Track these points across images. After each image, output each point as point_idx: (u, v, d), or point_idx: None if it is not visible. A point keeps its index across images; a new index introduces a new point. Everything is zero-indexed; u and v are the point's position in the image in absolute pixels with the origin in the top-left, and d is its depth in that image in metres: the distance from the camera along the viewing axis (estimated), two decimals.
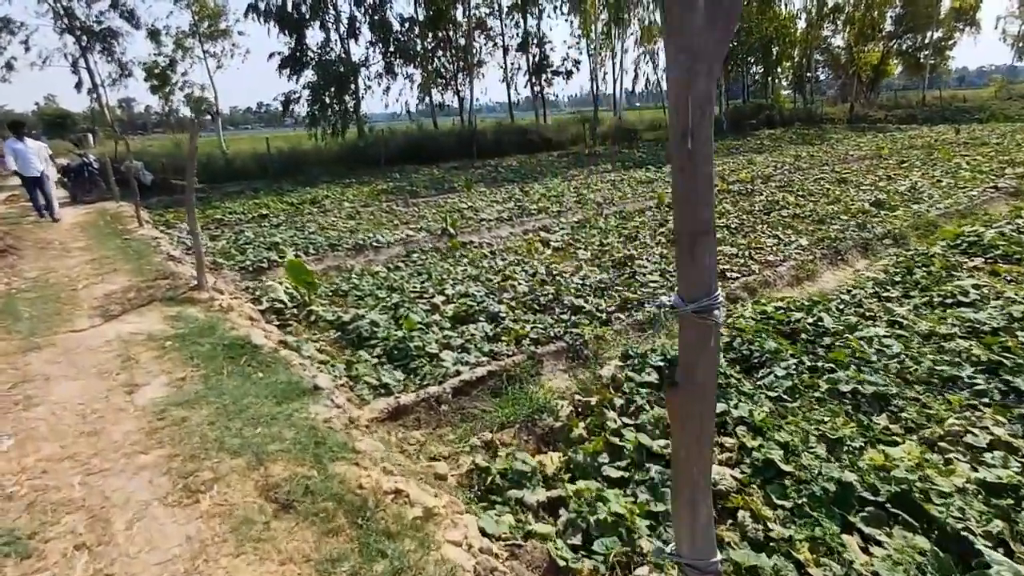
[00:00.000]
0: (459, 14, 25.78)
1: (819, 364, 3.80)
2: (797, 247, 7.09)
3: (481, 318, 5.24)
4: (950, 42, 43.31)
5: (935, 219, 8.23)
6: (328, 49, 20.89)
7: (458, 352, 4.47)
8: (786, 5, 35.99)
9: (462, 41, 26.61)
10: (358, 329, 5.01)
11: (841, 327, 4.33)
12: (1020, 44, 46.91)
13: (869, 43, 40.34)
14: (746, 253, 6.93)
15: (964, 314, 4.44)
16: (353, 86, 21.01)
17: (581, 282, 6.11)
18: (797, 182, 12.30)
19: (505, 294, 5.83)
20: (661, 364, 3.85)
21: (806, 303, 4.91)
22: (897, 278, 5.51)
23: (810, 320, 4.50)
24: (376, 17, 21.32)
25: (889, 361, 3.73)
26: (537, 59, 28.36)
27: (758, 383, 3.63)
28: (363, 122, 22.07)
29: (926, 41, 41.98)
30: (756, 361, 3.93)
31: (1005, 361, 3.58)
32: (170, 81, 24.35)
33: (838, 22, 38.17)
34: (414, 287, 6.31)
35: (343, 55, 21.07)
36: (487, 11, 27.13)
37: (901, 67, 44.51)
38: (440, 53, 25.83)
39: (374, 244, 8.55)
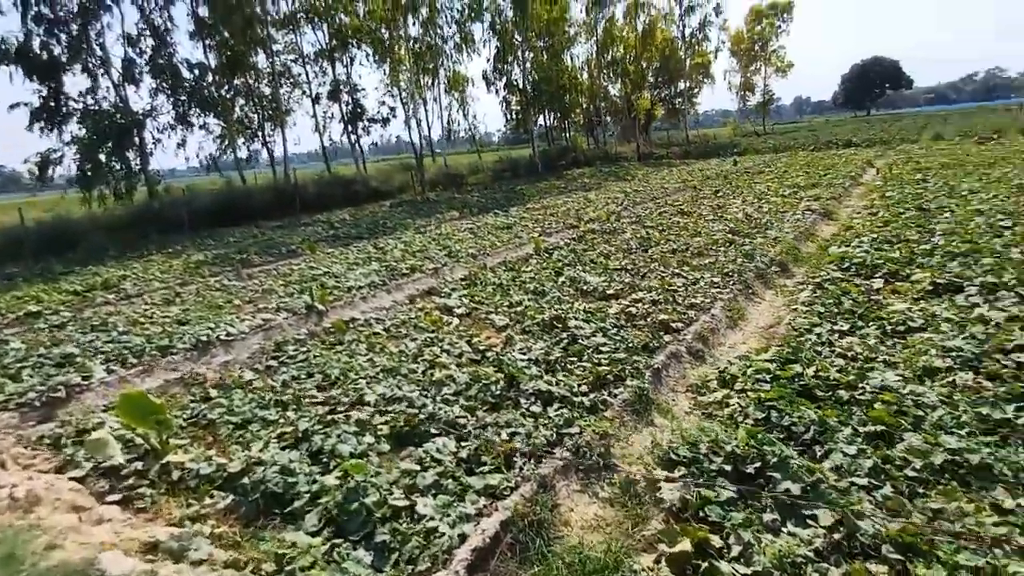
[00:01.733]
0: (261, 60, 23.51)
1: (871, 429, 3.35)
2: (707, 284, 7.00)
3: (434, 430, 3.99)
4: (695, 91, 52.17)
5: (793, 243, 8.93)
6: (97, 97, 17.19)
7: (435, 497, 3.19)
8: (572, 59, 39.97)
9: (266, 89, 24.24)
10: (262, 485, 3.43)
11: (847, 376, 4.02)
12: (741, 92, 58.14)
13: (641, 92, 46.66)
14: (666, 297, 6.62)
15: (933, 341, 4.46)
16: (137, 139, 17.50)
17: (524, 357, 5.16)
18: (645, 217, 12.87)
19: (445, 389, 4.62)
20: (729, 468, 3.06)
21: (786, 351, 4.58)
22: (833, 309, 5.54)
23: (809, 372, 4.13)
24: (160, 61, 18.20)
25: (934, 413, 3.42)
26: (351, 107, 27.03)
27: (827, 468, 3.04)
28: (155, 180, 18.51)
29: (678, 90, 50.02)
30: (806, 437, 3.36)
31: None
32: None
33: (613, 75, 43.30)
34: (313, 396, 4.77)
35: (120, 104, 17.51)
36: (292, 58, 25.20)
37: (663, 111, 52.14)
38: (242, 102, 23.13)
39: (222, 338, 6.61)
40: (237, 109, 22.88)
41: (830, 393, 3.87)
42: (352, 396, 4.57)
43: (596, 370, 4.65)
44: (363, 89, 32.57)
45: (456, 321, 6.64)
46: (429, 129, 29.15)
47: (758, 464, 3.08)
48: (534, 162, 31.85)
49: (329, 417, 4.28)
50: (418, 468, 3.48)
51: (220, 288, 9.57)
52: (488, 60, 36.31)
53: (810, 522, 2.69)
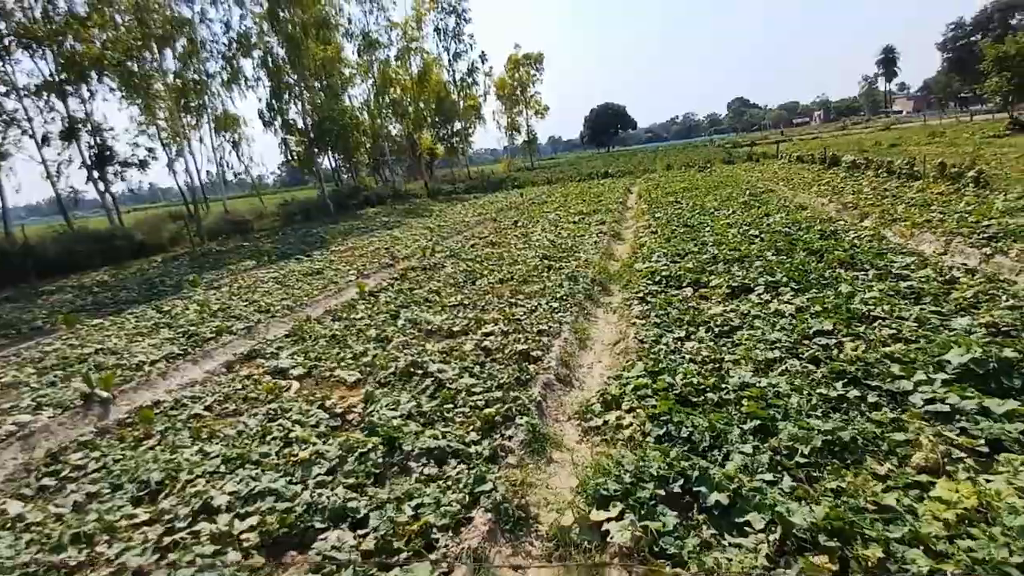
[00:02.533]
0: None
1: (751, 425, 3.70)
2: (547, 310, 7.23)
3: (318, 523, 3.34)
4: (471, 131, 55.52)
5: (602, 263, 9.80)
6: None
7: None
8: (350, 99, 39.44)
9: None
10: None
11: (709, 379, 4.42)
12: (509, 132, 63.65)
13: (421, 131, 48.04)
14: (515, 327, 6.66)
15: (756, 336, 5.17)
16: None
17: (394, 413, 4.67)
18: (459, 250, 13.01)
19: (315, 469, 3.92)
20: (662, 492, 3.07)
21: (648, 364, 4.88)
22: (666, 319, 6.11)
23: (678, 380, 4.45)
24: None
25: (791, 400, 3.92)
26: (96, 149, 22.62)
27: (732, 470, 3.26)
28: None
29: (455, 130, 52.73)
30: (704, 445, 3.57)
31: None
32: None
33: (394, 115, 43.81)
34: (132, 515, 3.65)
35: None
36: (1, 90, 20.19)
37: (443, 150, 54.36)
38: None
39: None
40: None
41: (701, 397, 4.20)
42: (193, 504, 3.61)
43: (481, 414, 4.40)
44: (111, 128, 27.53)
45: (296, 384, 5.79)
46: (198, 173, 25.64)
47: (681, 481, 3.16)
48: (325, 203, 30.33)
49: (167, 540, 3.30)
50: None
51: None
52: (260, 99, 33.75)
53: (747, 529, 2.82)
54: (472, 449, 3.97)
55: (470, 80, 46.67)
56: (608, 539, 2.87)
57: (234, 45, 26.73)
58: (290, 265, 13.96)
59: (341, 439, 4.30)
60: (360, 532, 3.22)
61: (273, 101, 32.68)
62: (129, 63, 22.13)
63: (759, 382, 4.23)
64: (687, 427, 3.71)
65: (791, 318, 5.55)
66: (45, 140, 22.25)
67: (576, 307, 7.23)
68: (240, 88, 29.87)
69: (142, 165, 24.53)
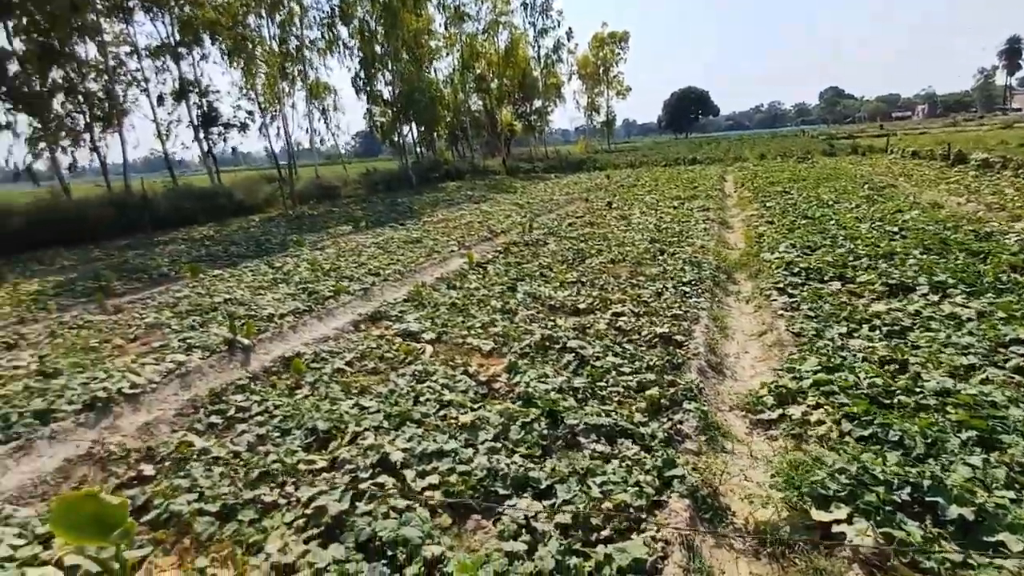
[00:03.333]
0: (85, 52, 19.76)
1: (968, 435, 3.33)
2: (673, 294, 6.93)
3: (500, 490, 3.27)
4: (549, 109, 54.72)
5: (720, 251, 9.35)
6: None
7: None
8: (435, 72, 39.67)
9: (92, 86, 20.41)
10: None
11: (898, 382, 4.04)
12: (588, 112, 62.39)
13: (503, 108, 47.87)
14: (647, 309, 6.42)
15: (938, 339, 4.71)
16: None
17: (546, 386, 4.56)
18: (556, 228, 12.79)
19: (481, 434, 3.87)
20: (895, 499, 2.79)
21: (820, 359, 4.53)
22: (819, 313, 5.70)
23: (862, 380, 4.10)
24: None
25: (1010, 412, 3.51)
26: (203, 110, 23.83)
27: (962, 481, 2.92)
28: None
29: (534, 108, 52.15)
30: (919, 452, 3.24)
31: None
32: None
33: (479, 90, 43.72)
34: (311, 462, 3.71)
35: None
36: (126, 50, 21.53)
37: (520, 127, 53.89)
38: (62, 99, 19.17)
39: (125, 391, 5.08)
40: (57, 107, 18.92)
41: (895, 400, 3.84)
42: (370, 456, 3.63)
43: (645, 395, 4.22)
44: (217, 91, 28.92)
45: (430, 348, 5.80)
46: (289, 138, 26.50)
47: (908, 489, 2.86)
48: (407, 174, 30.78)
49: (355, 489, 3.32)
50: (522, 547, 2.75)
51: (83, 325, 7.56)
52: (349, 69, 34.39)
53: (1002, 550, 2.51)
54: (643, 430, 3.79)
55: (555, 57, 45.73)
56: (838, 542, 2.63)
57: (336, 12, 27.13)
58: (387, 232, 14.18)
59: (499, 407, 4.23)
60: (546, 503, 3.12)
61: (361, 71, 33.26)
62: (239, 28, 22.97)
63: (964, 389, 3.82)
64: (895, 431, 3.38)
65: (974, 322, 5.02)
66: (160, 99, 23.59)
67: (707, 293, 6.89)
68: (336, 55, 30.44)
69: (242, 127, 25.63)
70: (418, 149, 40.13)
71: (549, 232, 12.26)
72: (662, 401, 4.17)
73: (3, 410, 4.75)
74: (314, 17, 27.72)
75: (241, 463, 3.76)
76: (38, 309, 8.60)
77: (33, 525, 3.21)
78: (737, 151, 36.31)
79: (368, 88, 33.79)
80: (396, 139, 36.69)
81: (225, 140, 25.41)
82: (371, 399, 4.60)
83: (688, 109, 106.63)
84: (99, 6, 19.23)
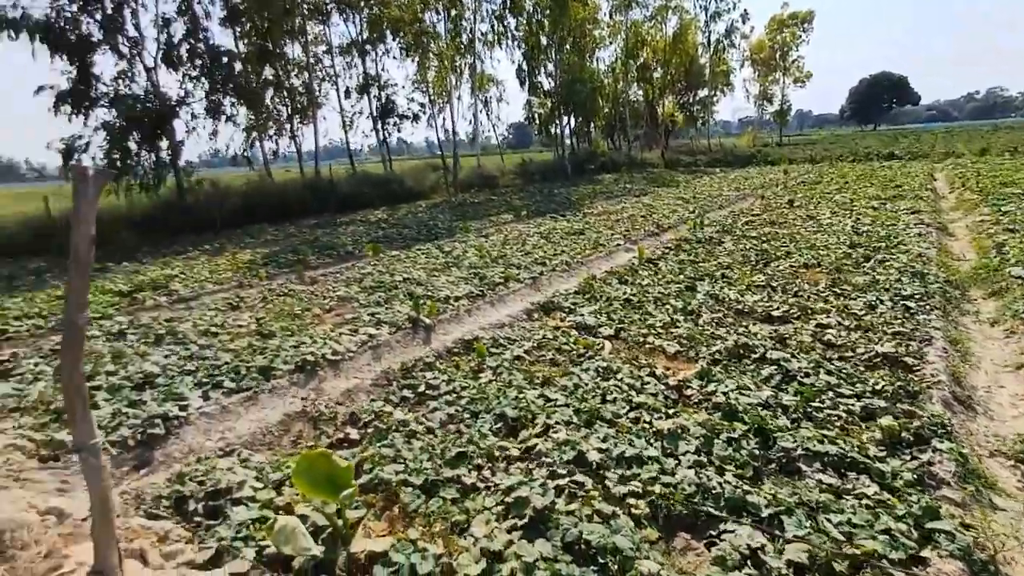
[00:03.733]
0: (292, 51, 22.50)
1: None
2: (891, 308, 5.95)
3: (712, 511, 2.93)
4: (716, 99, 51.37)
5: (942, 260, 7.94)
6: (129, 81, 16.02)
7: None
8: (597, 62, 39.15)
9: (295, 81, 23.14)
10: None
11: None
12: (759, 102, 57.54)
13: (665, 98, 46.03)
14: (857, 323, 5.57)
15: None
16: (166, 128, 16.35)
17: (751, 401, 4.09)
18: (731, 226, 11.84)
19: (682, 444, 3.55)
20: None
21: None
22: None
23: None
24: (196, 44, 17.06)
25: None
26: (382, 102, 25.95)
27: None
28: (188, 172, 17.34)
29: (697, 98, 49.30)
30: None
31: None
32: None
33: (642, 80, 42.36)
34: (503, 448, 3.68)
35: (152, 88, 16.34)
36: (323, 49, 24.12)
37: (682, 118, 51.29)
38: (271, 94, 22.00)
39: (328, 357, 5.53)
40: (267, 100, 21.73)
41: None
42: (566, 452, 3.49)
43: (878, 424, 3.59)
44: (395, 83, 31.34)
45: (608, 345, 5.57)
46: (453, 129, 27.85)
47: None
48: (563, 165, 30.85)
49: (554, 484, 3.20)
50: None
51: (287, 293, 8.49)
52: (513, 61, 35.07)
53: None
54: (880, 467, 3.21)
55: (726, 43, 42.82)
56: None
57: (507, 3, 27.79)
58: (548, 223, 14.20)
59: (697, 416, 3.88)
60: (767, 533, 2.73)
61: (524, 62, 33.82)
62: (418, 23, 24.55)
63: None
64: None
65: None
66: (347, 93, 26.06)
67: (937, 310, 5.83)
68: (504, 46, 31.29)
69: (415, 118, 27.41)
70: (573, 140, 40.03)
71: (723, 230, 11.39)
72: (902, 435, 3.51)
73: (235, 364, 5.42)
74: (486, 10, 28.65)
75: (437, 440, 3.85)
76: (252, 276, 9.84)
77: (267, 472, 3.54)
78: (947, 145, 31.19)
79: (530, 79, 34.35)
80: (553, 130, 37.02)
81: (399, 130, 27.38)
82: (555, 391, 4.49)
83: (880, 97, 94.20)
84: (304, 10, 21.58)
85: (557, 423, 3.90)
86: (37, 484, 3.43)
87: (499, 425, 4.06)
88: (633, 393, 4.38)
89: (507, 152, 56.51)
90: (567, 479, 3.24)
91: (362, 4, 23.79)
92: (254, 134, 22.85)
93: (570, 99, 32.68)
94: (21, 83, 20.38)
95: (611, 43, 39.85)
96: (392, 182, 22.39)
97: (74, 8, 14.73)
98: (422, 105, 27.77)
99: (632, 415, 4.02)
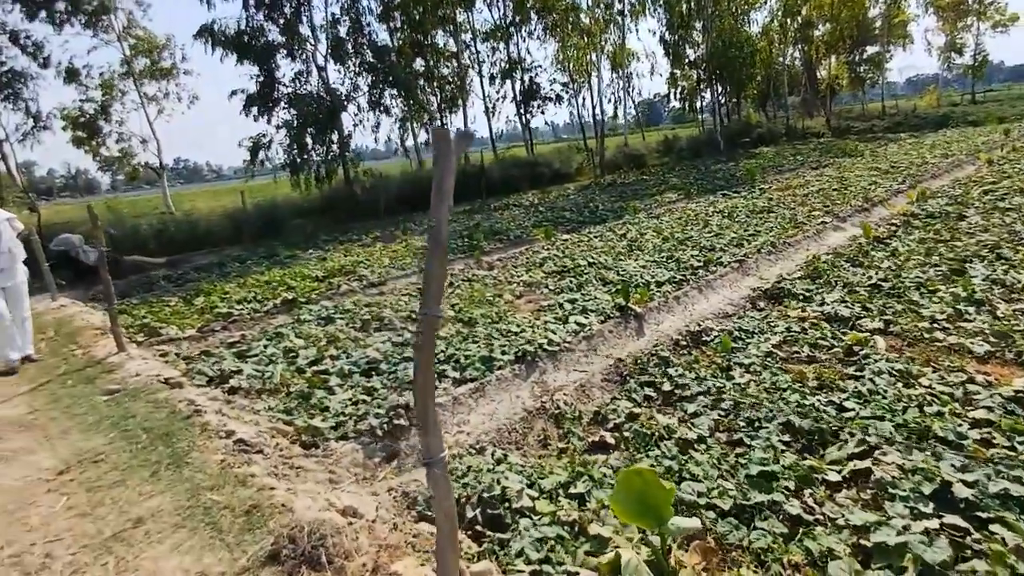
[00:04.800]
0: (444, 42, 23.01)
1: None
2: None
3: None
4: (888, 55, 44.77)
5: None
6: (305, 80, 17.27)
7: None
8: (751, 24, 35.68)
9: (444, 71, 23.64)
10: None
11: None
12: (943, 55, 49.27)
13: (827, 58, 41.09)
14: None
15: None
16: (336, 122, 17.37)
17: None
18: (960, 198, 9.82)
19: None
20: None
21: None
22: None
23: None
24: (361, 40, 17.93)
25: None
26: (526, 86, 25.74)
27: None
28: (356, 163, 18.40)
29: (864, 56, 43.28)
30: None
31: None
32: (101, 132, 19.74)
33: (802, 40, 38.06)
34: (815, 470, 2.99)
35: (323, 86, 17.45)
36: (467, 38, 24.39)
37: (847, 80, 45.44)
38: (422, 84, 22.66)
39: (545, 348, 5.16)
40: (419, 91, 22.40)
41: None
42: (922, 484, 2.71)
43: None
44: (539, 66, 30.99)
45: (881, 341, 4.59)
46: (594, 108, 26.84)
47: None
48: (715, 140, 28.65)
49: (920, 527, 2.45)
50: None
51: (471, 279, 8.37)
52: (654, 33, 32.92)
53: None
54: None
55: None
56: None
57: None
58: (722, 201, 12.94)
59: None
60: None
61: (668, 32, 31.70)
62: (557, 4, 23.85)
63: None
64: None
65: None
66: (492, 79, 26.15)
67: None
68: (650, 13, 29.59)
69: (558, 99, 26.84)
70: (727, 112, 37.08)
71: (957, 202, 9.49)
72: None
73: (450, 352, 5.26)
74: None
75: (720, 452, 3.25)
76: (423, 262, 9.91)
77: (534, 477, 3.18)
78: None
79: (675, 50, 32.20)
80: (699, 103, 34.58)
81: (543, 112, 27.03)
82: (844, 397, 3.68)
83: None
84: None
85: (875, 441, 3.12)
86: (310, 473, 3.37)
87: (787, 437, 3.37)
88: (956, 405, 3.45)
89: (648, 129, 54.05)
90: (936, 521, 2.48)
91: None
92: (407, 125, 23.72)
93: (722, 68, 30.17)
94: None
95: (766, 2, 36.15)
96: (539, 165, 22.13)
97: (260, 16, 16.01)
98: (564, 85, 27.08)
99: (975, 434, 3.11)
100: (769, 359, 4.49)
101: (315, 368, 5.36)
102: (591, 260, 8.46)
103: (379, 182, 17.64)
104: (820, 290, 5.93)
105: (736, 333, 5.10)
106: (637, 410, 3.94)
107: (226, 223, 15.27)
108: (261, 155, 17.35)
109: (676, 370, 4.43)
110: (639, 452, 3.40)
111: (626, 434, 3.67)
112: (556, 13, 23.63)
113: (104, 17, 18.58)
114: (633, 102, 36.89)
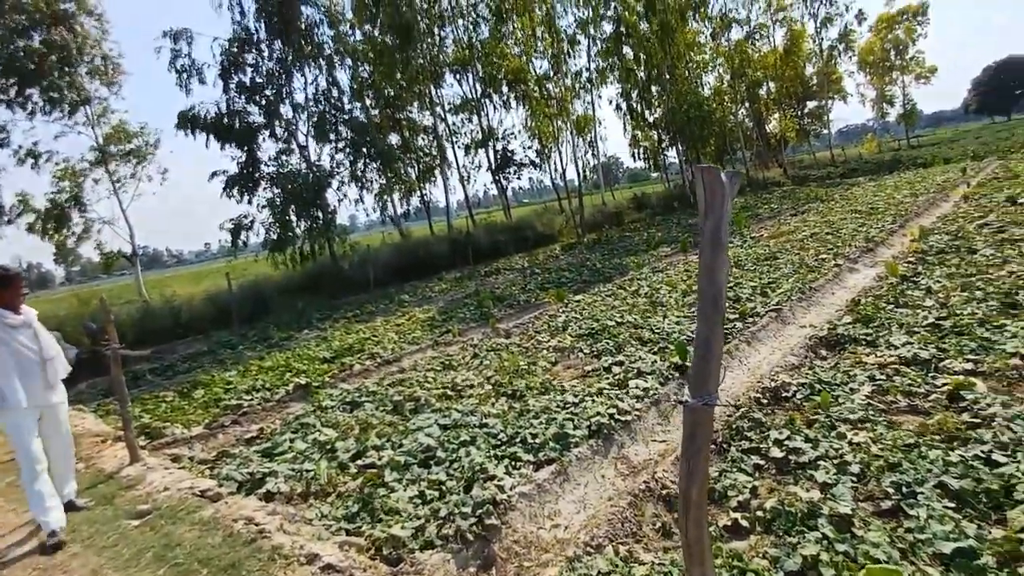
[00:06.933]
0: (418, 116, 23.45)
1: None
2: None
3: None
4: (828, 108, 47.98)
5: None
6: (287, 159, 17.12)
7: None
8: (703, 87, 37.80)
9: (420, 141, 23.97)
10: None
11: None
12: (876, 106, 53.07)
13: (772, 113, 43.78)
14: None
15: None
16: (321, 199, 17.15)
17: None
18: (959, 234, 10.05)
19: None
20: None
21: None
22: None
23: None
24: (342, 117, 18.04)
25: None
26: (500, 153, 26.27)
27: None
28: (343, 238, 18.06)
29: (806, 110, 46.36)
30: None
31: None
32: (69, 221, 18.91)
33: (751, 98, 40.43)
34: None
35: (306, 163, 17.33)
36: (448, 108, 24.97)
37: (795, 133, 48.23)
38: (400, 156, 22.85)
39: (616, 419, 4.74)
40: (399, 164, 22.56)
41: None
42: None
43: None
44: (512, 134, 31.66)
45: (980, 384, 4.34)
46: (564, 171, 27.48)
47: None
48: (685, 195, 29.55)
49: None
50: None
51: (493, 348, 7.95)
52: (611, 102, 34.25)
53: None
54: None
55: (841, 47, 40.20)
56: None
57: (620, 35, 27.46)
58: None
59: None
60: None
61: (623, 97, 33.11)
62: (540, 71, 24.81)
63: None
64: None
65: None
66: (467, 149, 26.64)
67: None
68: (610, 82, 30.97)
69: (532, 165, 27.44)
70: (688, 168, 38.53)
71: (958, 237, 9.68)
72: None
73: (513, 431, 4.78)
74: (588, 47, 28.58)
75: (880, 527, 2.85)
76: (442, 333, 9.47)
77: None
78: None
79: (632, 113, 33.60)
80: (662, 161, 35.87)
81: (519, 178, 27.49)
82: (985, 449, 3.36)
83: (1010, 84, 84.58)
84: (427, 73, 22.39)
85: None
86: None
87: (948, 502, 3.00)
88: None
89: (607, 190, 55.57)
90: None
91: (489, 60, 24.31)
92: (385, 197, 23.72)
93: (681, 128, 31.56)
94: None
95: (714, 67, 38.55)
96: (524, 228, 22.23)
97: (242, 99, 15.98)
98: (537, 152, 27.79)
99: None
100: (870, 411, 4.18)
101: (360, 462, 4.80)
102: (617, 320, 8.17)
103: (367, 255, 17.28)
104: (880, 334, 5.73)
105: (817, 386, 4.79)
106: (757, 483, 3.53)
107: (210, 307, 14.54)
108: (243, 235, 16.86)
109: (778, 432, 4.05)
110: (788, 535, 2.97)
111: (758, 513, 3.24)
112: (525, 84, 24.47)
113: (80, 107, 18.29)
114: (597, 164, 38.08)
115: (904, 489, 3.16)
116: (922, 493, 3.08)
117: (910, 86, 51.95)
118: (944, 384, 4.37)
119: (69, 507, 4.09)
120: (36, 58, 16.32)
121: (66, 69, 17.27)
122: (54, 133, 20.76)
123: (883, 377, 4.72)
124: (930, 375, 4.61)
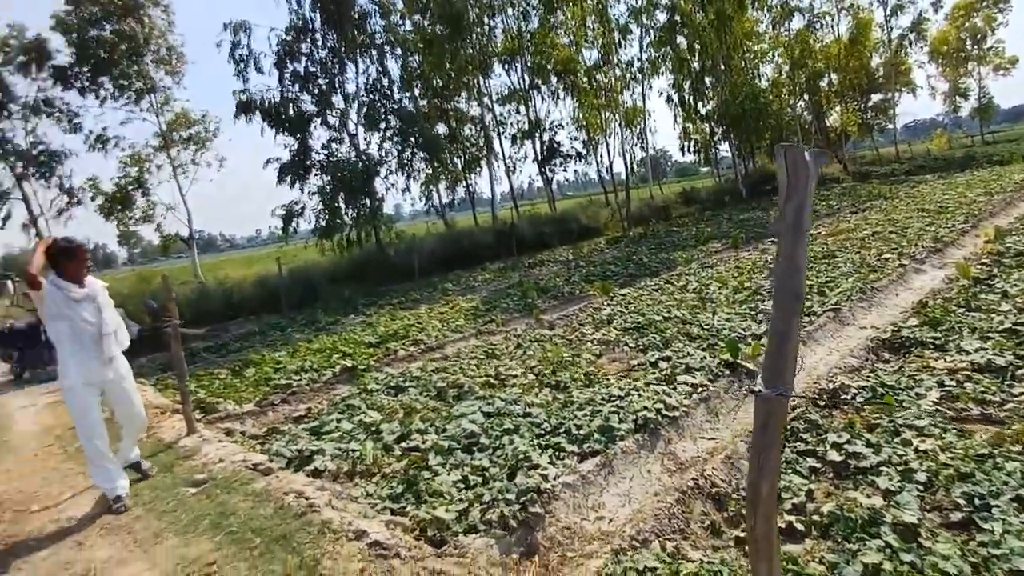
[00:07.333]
0: (465, 106, 23.54)
1: None
2: None
3: None
4: (895, 102, 45.53)
5: None
6: (338, 147, 17.49)
7: None
8: (760, 78, 36.49)
9: (466, 132, 24.06)
10: None
11: None
12: (948, 99, 50.06)
13: (834, 107, 41.84)
14: None
15: None
16: (370, 187, 17.45)
17: None
18: None
19: None
20: None
21: None
22: None
23: None
24: (391, 106, 18.30)
25: None
26: (547, 145, 26.10)
27: None
28: (389, 226, 18.38)
29: (870, 103, 44.05)
30: None
31: None
32: (133, 203, 19.99)
33: (810, 91, 38.82)
34: None
35: (355, 151, 17.67)
36: (496, 98, 24.97)
37: (856, 127, 46.04)
38: (448, 147, 23.01)
39: (664, 415, 4.63)
40: (446, 154, 22.75)
41: None
42: None
43: None
44: (560, 125, 31.41)
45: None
46: (611, 164, 27.13)
47: None
48: (738, 189, 28.67)
49: None
50: None
51: (537, 339, 7.90)
52: (661, 93, 33.61)
53: None
54: None
55: (912, 37, 38.01)
56: None
57: (675, 23, 26.79)
58: (772, 249, 12.57)
59: None
60: None
61: (675, 89, 32.31)
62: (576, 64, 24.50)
63: None
64: None
65: None
66: (513, 139, 26.57)
67: None
68: (663, 73, 30.29)
69: (579, 156, 27.15)
70: (743, 162, 37.41)
71: None
72: None
73: (557, 421, 4.74)
74: (640, 37, 27.98)
75: (949, 539, 2.68)
76: (486, 323, 9.49)
77: None
78: None
79: (684, 104, 32.77)
80: (713, 154, 34.90)
81: (565, 170, 27.27)
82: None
83: None
84: (477, 63, 22.41)
85: None
86: None
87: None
88: None
89: (655, 183, 54.47)
90: None
91: (540, 49, 24.13)
92: (431, 186, 23.94)
93: (737, 121, 30.58)
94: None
95: (772, 57, 37.13)
96: (568, 221, 22.03)
97: (296, 88, 16.39)
98: (584, 143, 27.48)
99: None
100: (938, 418, 3.94)
101: (404, 445, 4.85)
102: (664, 315, 8.00)
103: (412, 243, 17.49)
104: (949, 337, 5.40)
105: (880, 389, 4.55)
106: (813, 486, 3.38)
107: (261, 290, 15.04)
108: (293, 222, 17.34)
109: (837, 435, 3.87)
110: (847, 541, 2.83)
111: (814, 517, 3.10)
112: (574, 75, 24.18)
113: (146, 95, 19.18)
114: (646, 156, 37.36)
115: (977, 501, 2.96)
116: (997, 506, 2.88)
117: (987, 78, 48.95)
118: (1022, 393, 4.09)
119: (135, 468, 4.26)
120: (108, 47, 17.17)
121: (134, 58, 18.12)
122: (120, 119, 21.99)
123: (953, 383, 4.45)
124: (1006, 383, 4.32)
